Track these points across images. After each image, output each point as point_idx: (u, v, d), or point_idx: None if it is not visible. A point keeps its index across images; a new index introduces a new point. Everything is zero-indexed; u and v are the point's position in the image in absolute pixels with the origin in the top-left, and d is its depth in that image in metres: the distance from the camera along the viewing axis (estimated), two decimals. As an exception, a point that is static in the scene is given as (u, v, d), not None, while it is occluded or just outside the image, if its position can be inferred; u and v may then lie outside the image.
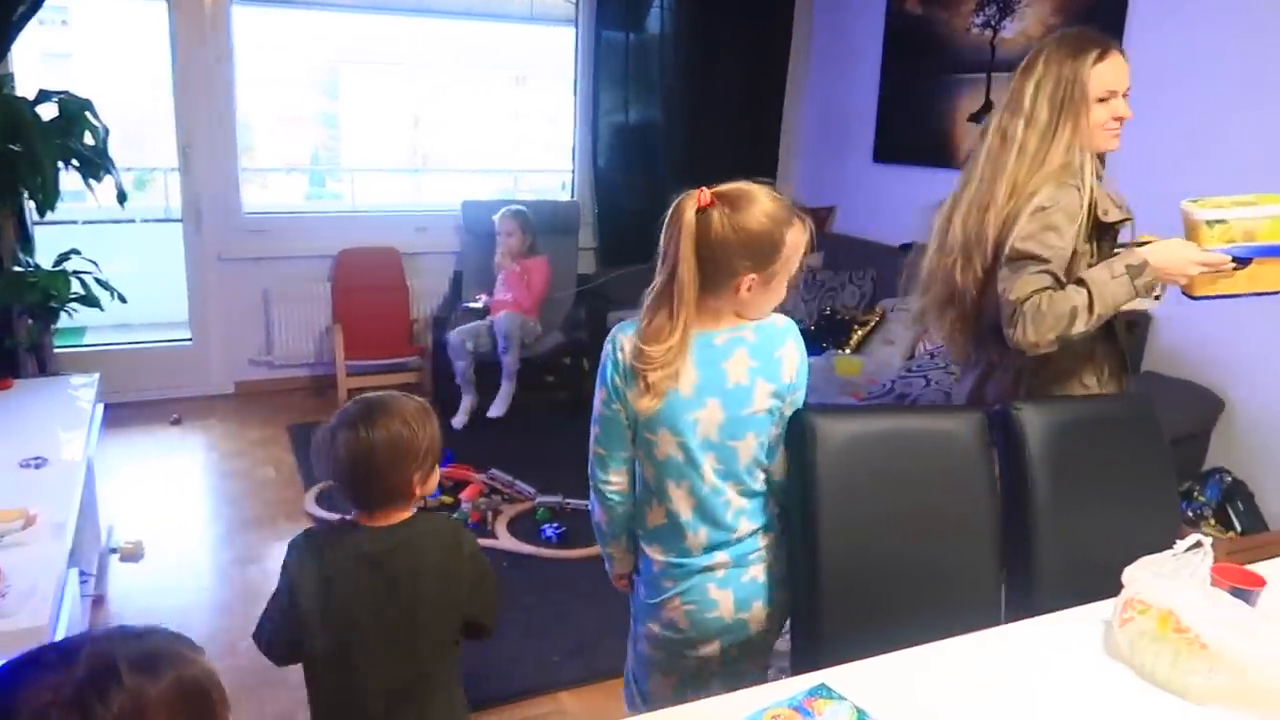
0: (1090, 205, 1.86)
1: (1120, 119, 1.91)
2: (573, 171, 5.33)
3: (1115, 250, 1.89)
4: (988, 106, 4.18)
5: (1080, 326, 1.75)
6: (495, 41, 5.87)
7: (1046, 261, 1.80)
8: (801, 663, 1.55)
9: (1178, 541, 1.45)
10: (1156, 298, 1.85)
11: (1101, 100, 1.88)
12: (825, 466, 1.53)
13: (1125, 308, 1.80)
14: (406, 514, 1.51)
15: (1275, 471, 3.20)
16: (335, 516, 3.31)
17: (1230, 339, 3.30)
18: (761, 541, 1.60)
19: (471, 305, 4.53)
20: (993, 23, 4.13)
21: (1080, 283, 1.77)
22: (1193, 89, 3.35)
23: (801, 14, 5.34)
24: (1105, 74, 1.87)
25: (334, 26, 5.98)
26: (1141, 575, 1.37)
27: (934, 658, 1.37)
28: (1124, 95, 1.90)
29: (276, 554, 3.10)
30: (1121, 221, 1.91)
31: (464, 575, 1.53)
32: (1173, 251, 1.76)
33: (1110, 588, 1.43)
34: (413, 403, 1.51)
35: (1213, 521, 3.19)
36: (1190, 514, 3.16)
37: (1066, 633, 1.45)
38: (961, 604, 1.61)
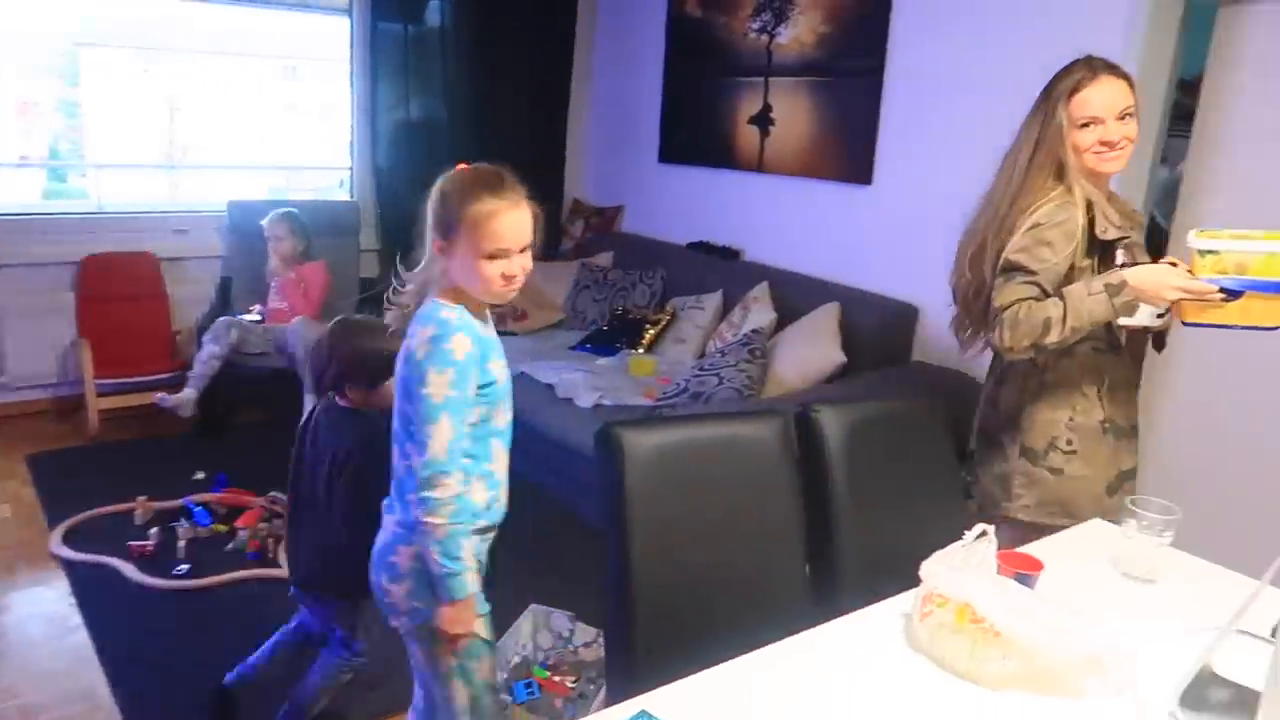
0: (1088, 223, 1.94)
1: (1108, 142, 1.95)
2: (351, 169, 5.06)
3: (1120, 267, 1.96)
4: (767, 110, 4.33)
5: (1054, 337, 1.85)
6: (262, 28, 5.47)
7: (1034, 274, 1.92)
8: (617, 681, 1.51)
9: (965, 533, 1.52)
10: (1160, 316, 1.89)
11: (1085, 126, 1.95)
12: (634, 480, 1.50)
13: (1126, 324, 1.91)
14: None
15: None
16: (88, 558, 2.97)
17: (987, 329, 3.58)
18: None
19: (245, 318, 4.20)
20: (769, 28, 4.28)
21: (1061, 296, 1.87)
22: (953, 100, 3.61)
23: (585, 13, 5.33)
24: (1086, 101, 1.95)
25: (69, 3, 5.35)
26: (938, 569, 1.43)
27: (749, 669, 1.36)
28: (1119, 118, 1.94)
29: (17, 605, 2.72)
30: (1120, 239, 1.96)
31: None
32: (1153, 274, 1.84)
33: (909, 580, 1.48)
34: None
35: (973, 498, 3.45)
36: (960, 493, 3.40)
37: (871, 630, 1.48)
38: (773, 607, 1.62)
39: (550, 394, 3.66)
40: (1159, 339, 2.09)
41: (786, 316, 3.86)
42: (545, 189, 5.42)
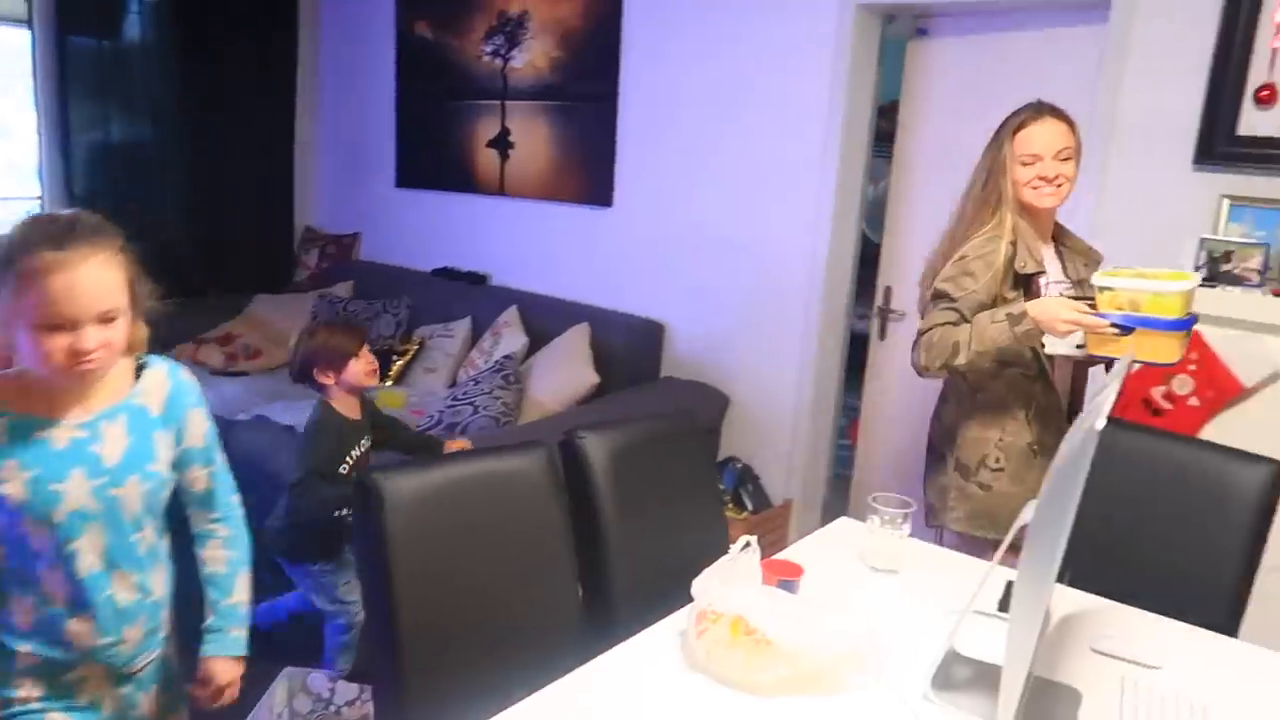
0: (1010, 257, 2.05)
1: (1045, 178, 2.06)
2: (41, 198, 4.48)
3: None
4: (506, 133, 4.31)
5: (961, 359, 2.00)
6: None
7: (955, 301, 2.06)
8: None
9: (731, 546, 1.56)
10: (1080, 346, 2.00)
11: (1025, 164, 2.07)
12: (396, 529, 1.41)
13: (1053, 353, 2.05)
14: None
15: (772, 455, 3.71)
16: None
17: (728, 343, 3.76)
18: None
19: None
20: (502, 52, 4.27)
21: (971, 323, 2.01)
22: (684, 124, 3.77)
23: (307, 33, 5.06)
24: (1027, 139, 2.07)
25: None
26: (709, 585, 1.45)
27: (530, 713, 1.31)
28: (1055, 157, 2.05)
29: None
30: (1037, 274, 2.07)
31: None
32: (1048, 306, 1.97)
33: (683, 596, 1.50)
34: None
35: (730, 505, 3.60)
36: (721, 504, 3.53)
37: (649, 652, 1.48)
38: (551, 639, 1.59)
39: (291, 437, 3.41)
40: (1109, 364, 2.17)
41: (538, 340, 3.85)
42: (273, 216, 5.12)
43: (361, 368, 2.45)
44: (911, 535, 1.82)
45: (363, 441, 2.51)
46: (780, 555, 1.78)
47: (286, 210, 5.19)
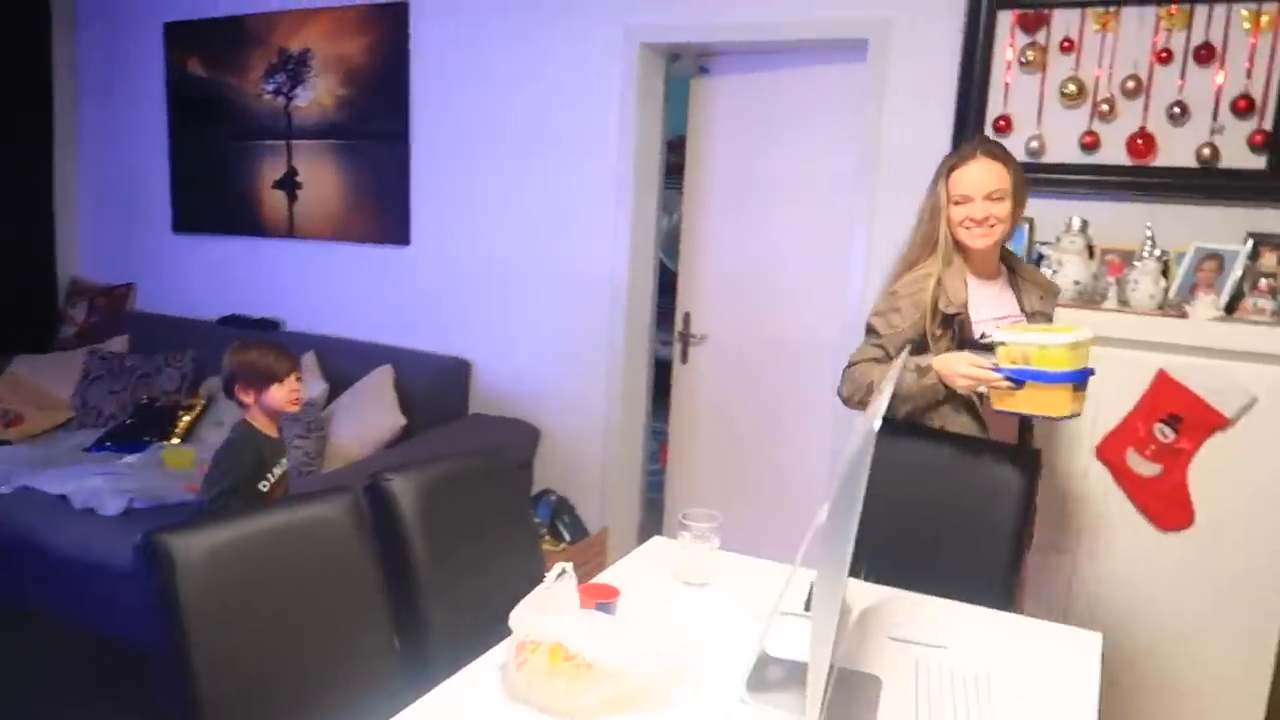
0: (936, 297, 2.07)
1: (974, 220, 2.05)
2: None
3: (976, 338, 2.07)
4: (293, 173, 4.16)
5: (876, 399, 1.93)
6: None
7: (881, 336, 2.11)
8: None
9: (546, 574, 1.56)
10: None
11: (958, 203, 2.07)
12: (189, 592, 1.32)
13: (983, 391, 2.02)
14: None
15: (586, 485, 3.74)
16: None
17: (536, 377, 3.77)
18: None
19: None
20: (284, 90, 4.12)
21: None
22: (478, 162, 3.77)
23: (62, 71, 4.69)
24: (959, 179, 2.07)
25: None
26: (527, 615, 1.45)
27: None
28: (986, 198, 2.03)
29: None
30: (955, 315, 2.06)
31: None
32: (950, 360, 2.00)
33: (502, 632, 1.49)
34: None
35: (547, 538, 3.60)
36: (537, 537, 3.51)
37: (468, 689, 1.46)
38: (366, 690, 1.52)
39: (64, 507, 3.12)
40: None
41: (339, 384, 3.71)
42: (31, 268, 4.68)
43: (283, 394, 2.43)
44: (721, 548, 1.89)
45: (283, 460, 2.48)
46: (597, 579, 1.80)
47: (48, 261, 4.77)
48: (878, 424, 1.13)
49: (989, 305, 2.12)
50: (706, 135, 3.61)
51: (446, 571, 1.73)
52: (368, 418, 3.47)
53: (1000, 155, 2.08)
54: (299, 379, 2.49)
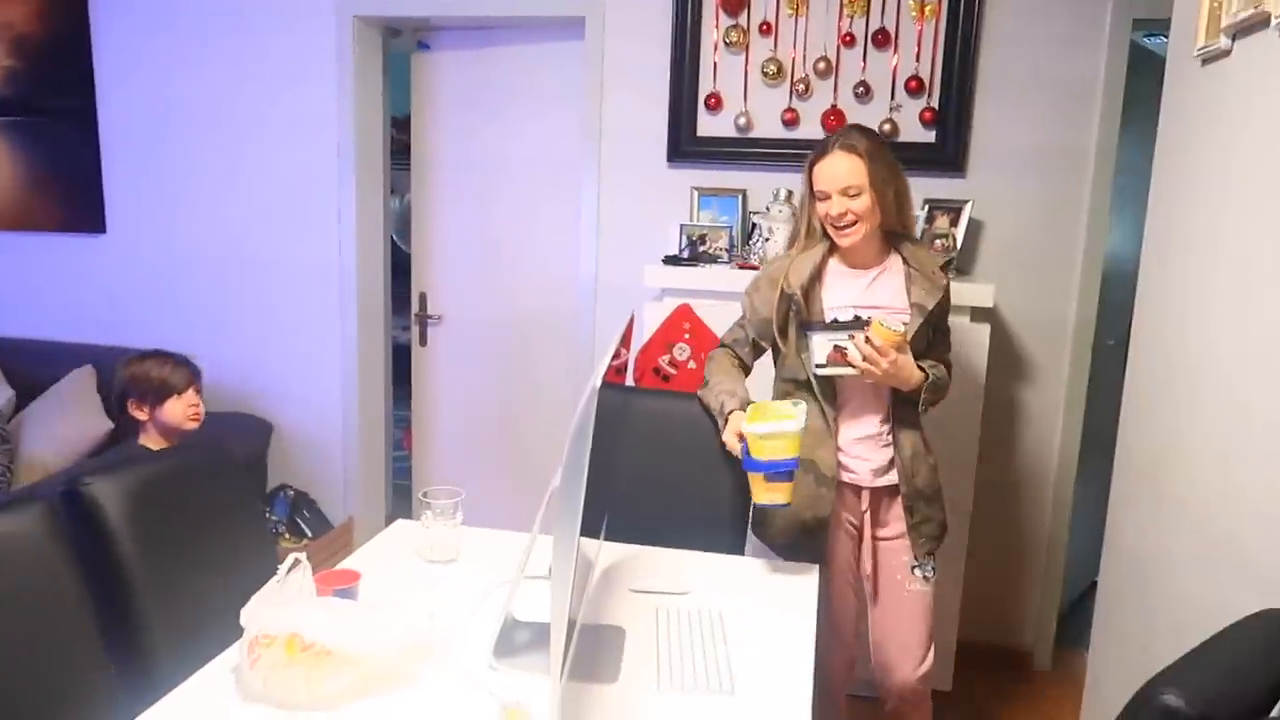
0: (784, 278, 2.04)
1: (831, 217, 1.97)
2: None
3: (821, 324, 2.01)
4: (-49, 155, 3.63)
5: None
6: None
7: (743, 316, 2.16)
8: None
9: (279, 567, 1.50)
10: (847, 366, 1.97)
11: (819, 199, 2.00)
12: None
13: (822, 374, 2.01)
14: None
15: (327, 477, 3.59)
16: None
17: (264, 368, 3.56)
18: None
19: None
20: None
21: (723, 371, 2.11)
22: (184, 139, 3.47)
23: None
24: (818, 174, 1.99)
25: None
26: (259, 611, 1.38)
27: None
28: (842, 194, 1.95)
29: None
30: (792, 295, 2.02)
31: None
32: (730, 421, 1.97)
33: (234, 637, 1.41)
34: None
35: (288, 535, 3.42)
36: (269, 534, 3.33)
37: (198, 698, 1.37)
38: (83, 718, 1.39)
39: None
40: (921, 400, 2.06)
41: (28, 391, 3.31)
42: None
43: (181, 409, 2.29)
44: (467, 525, 1.89)
45: None
46: (338, 566, 1.74)
47: None
48: (599, 381, 1.18)
49: (853, 293, 2.05)
50: (431, 113, 3.55)
51: (165, 580, 1.60)
52: (67, 425, 3.13)
53: (858, 147, 1.96)
54: (198, 391, 2.31)
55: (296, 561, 1.49)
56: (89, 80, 3.48)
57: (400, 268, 3.82)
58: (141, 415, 2.29)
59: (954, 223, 2.87)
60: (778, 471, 1.82)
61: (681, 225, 3.00)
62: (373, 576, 1.67)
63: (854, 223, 1.97)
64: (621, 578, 1.83)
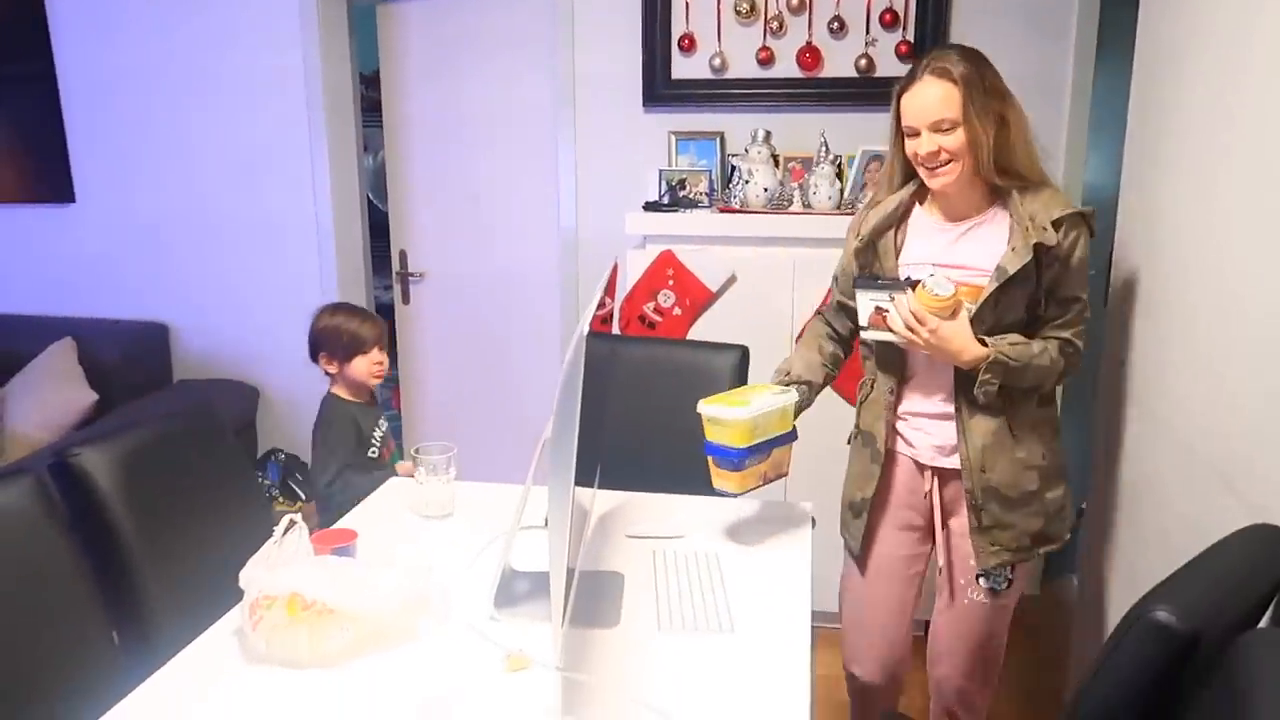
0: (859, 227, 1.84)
1: (921, 157, 1.67)
2: None
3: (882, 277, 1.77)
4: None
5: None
6: None
7: (836, 277, 1.95)
8: None
9: (275, 529, 1.50)
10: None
11: (909, 136, 1.69)
12: None
13: (869, 339, 1.79)
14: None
15: (295, 440, 3.58)
16: None
17: (247, 334, 3.53)
18: None
19: None
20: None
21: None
22: (147, 102, 3.40)
23: None
24: (906, 108, 1.68)
25: None
26: (257, 573, 1.38)
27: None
28: (932, 129, 1.64)
29: None
30: (859, 247, 1.80)
31: None
32: None
33: (233, 601, 1.41)
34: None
35: (281, 499, 3.43)
36: (263, 497, 3.33)
37: (203, 661, 1.38)
38: (89, 689, 1.39)
39: None
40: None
41: (7, 367, 3.28)
42: None
43: (366, 365, 2.30)
44: (461, 479, 1.90)
45: (380, 421, 2.38)
46: (335, 526, 1.75)
47: None
48: (586, 328, 1.17)
49: (936, 248, 1.76)
50: (400, 68, 3.48)
51: (162, 548, 1.60)
52: (50, 398, 3.10)
53: (952, 72, 1.62)
54: (383, 349, 2.31)
55: (292, 523, 1.49)
56: (45, 43, 3.39)
57: (378, 226, 3.78)
58: (331, 369, 2.33)
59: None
60: (722, 458, 1.68)
61: (660, 171, 2.98)
62: (369, 535, 1.68)
63: (947, 162, 1.65)
64: (617, 524, 1.84)
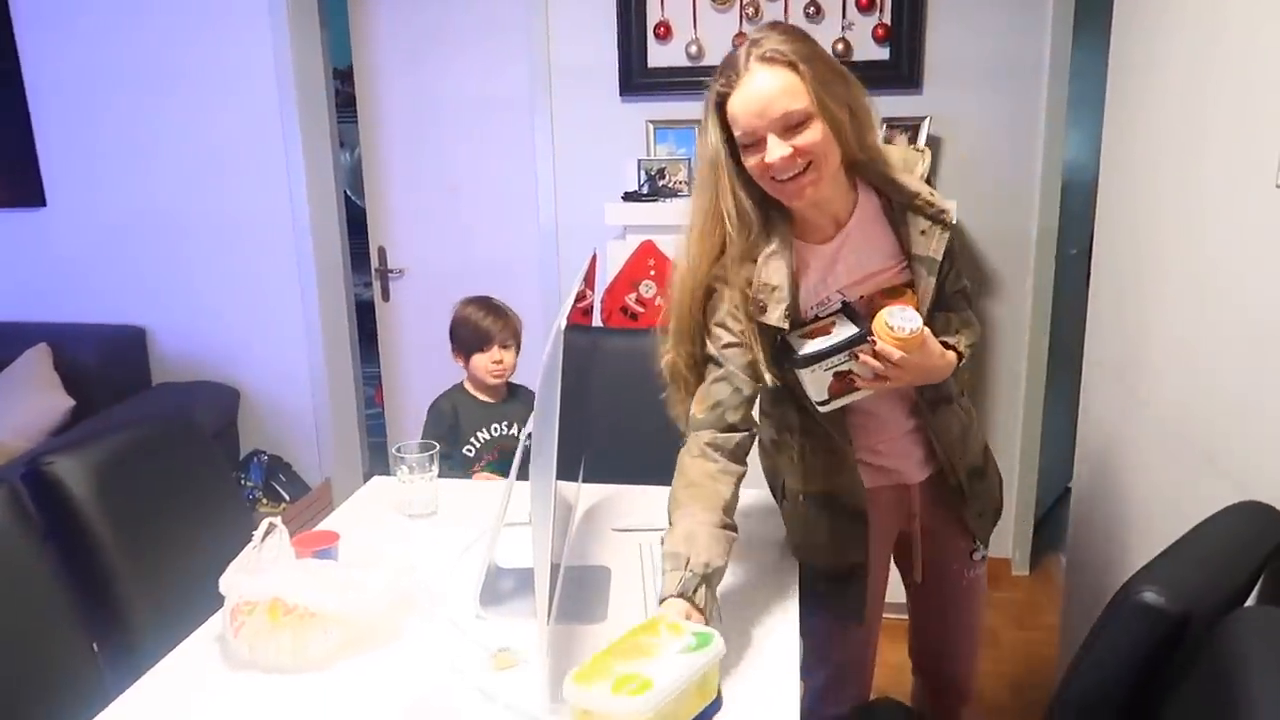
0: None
1: (771, 167, 1.32)
2: None
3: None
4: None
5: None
6: None
7: (717, 368, 1.48)
8: None
9: (254, 533, 1.48)
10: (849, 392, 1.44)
11: (745, 150, 1.35)
12: None
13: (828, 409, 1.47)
14: None
15: (300, 439, 3.56)
16: None
17: (226, 335, 3.49)
18: None
19: None
20: None
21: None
22: (118, 101, 3.34)
23: None
24: (735, 113, 1.33)
25: None
26: (237, 579, 1.36)
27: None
28: (780, 128, 1.30)
29: None
30: (767, 329, 1.43)
31: None
32: (666, 607, 1.28)
33: (215, 607, 1.39)
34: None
35: (265, 500, 3.40)
36: (246, 501, 3.31)
37: (184, 669, 1.36)
38: (71, 704, 1.37)
39: None
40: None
41: (-17, 375, 3.23)
42: None
43: (484, 363, 2.26)
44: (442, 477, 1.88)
45: (498, 426, 2.31)
46: (317, 529, 1.72)
47: None
48: (564, 322, 1.16)
49: (829, 276, 1.48)
50: (375, 60, 3.44)
51: (140, 554, 1.58)
52: (25, 405, 3.05)
53: (784, 54, 1.29)
54: (505, 347, 2.25)
55: (272, 526, 1.47)
56: (10, 43, 3.32)
57: (356, 223, 3.74)
58: (459, 362, 2.31)
59: (913, 140, 2.85)
60: None
61: (639, 160, 2.96)
62: (353, 535, 1.66)
63: (807, 167, 1.32)
64: (603, 518, 1.83)
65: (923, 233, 1.45)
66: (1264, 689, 0.88)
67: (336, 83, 3.62)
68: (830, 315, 1.44)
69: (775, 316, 1.39)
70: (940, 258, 1.45)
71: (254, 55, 3.22)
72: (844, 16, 2.90)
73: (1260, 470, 1.29)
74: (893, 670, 1.97)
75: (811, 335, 1.42)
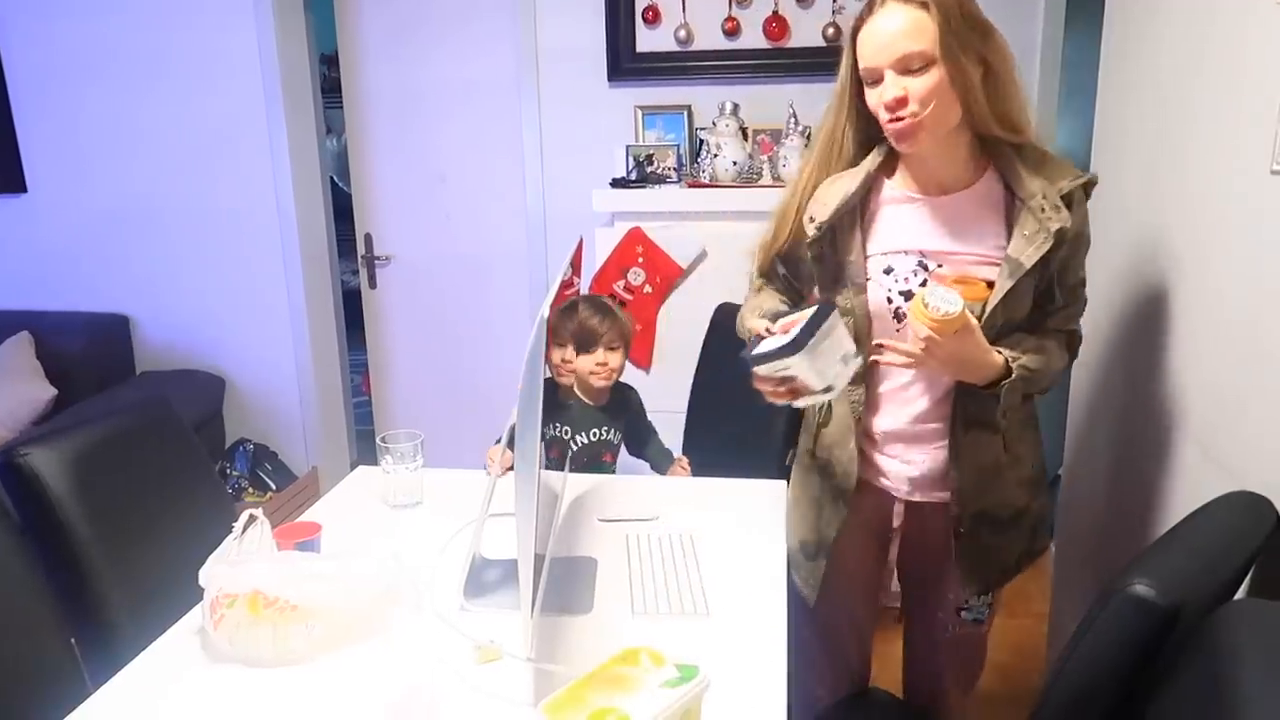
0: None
1: (887, 106, 1.30)
2: None
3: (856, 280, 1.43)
4: None
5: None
6: None
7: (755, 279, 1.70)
8: None
9: (234, 524, 1.45)
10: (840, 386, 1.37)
11: (867, 83, 1.34)
12: None
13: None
14: None
15: (286, 428, 3.53)
16: None
17: (211, 323, 3.46)
18: None
19: None
20: None
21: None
22: (101, 86, 3.30)
23: None
24: (862, 44, 1.32)
25: None
26: (218, 570, 1.34)
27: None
28: (897, 68, 1.28)
29: None
30: (810, 235, 1.45)
31: None
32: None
33: (196, 599, 1.37)
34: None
35: (251, 490, 3.37)
36: (231, 490, 3.28)
37: (162, 663, 1.33)
38: (49, 701, 1.35)
39: None
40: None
41: (-36, 363, 3.19)
42: None
43: (589, 364, 2.08)
44: (431, 466, 1.85)
45: (576, 428, 2.12)
46: (300, 519, 1.70)
47: None
48: (547, 311, 1.14)
49: (918, 229, 1.42)
50: (360, 45, 3.39)
51: (118, 546, 1.55)
52: (7, 394, 3.02)
53: None
54: (611, 349, 2.07)
55: (252, 518, 1.45)
56: (-11, 31, 3.28)
57: (342, 210, 3.70)
58: (555, 360, 2.13)
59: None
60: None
61: (627, 146, 2.93)
62: (336, 525, 1.64)
63: (917, 114, 1.29)
64: (589, 508, 1.81)
65: (1026, 235, 1.34)
66: (1254, 681, 0.87)
67: (322, 68, 3.58)
68: (808, 315, 1.33)
69: (818, 216, 1.44)
70: (1029, 262, 1.33)
71: (238, 40, 3.18)
72: (834, 0, 2.87)
73: (1253, 460, 1.28)
74: (891, 663, 1.96)
75: (785, 331, 1.36)
